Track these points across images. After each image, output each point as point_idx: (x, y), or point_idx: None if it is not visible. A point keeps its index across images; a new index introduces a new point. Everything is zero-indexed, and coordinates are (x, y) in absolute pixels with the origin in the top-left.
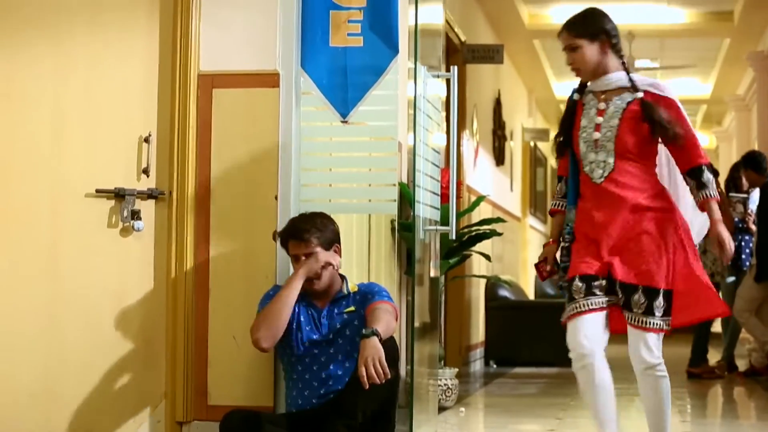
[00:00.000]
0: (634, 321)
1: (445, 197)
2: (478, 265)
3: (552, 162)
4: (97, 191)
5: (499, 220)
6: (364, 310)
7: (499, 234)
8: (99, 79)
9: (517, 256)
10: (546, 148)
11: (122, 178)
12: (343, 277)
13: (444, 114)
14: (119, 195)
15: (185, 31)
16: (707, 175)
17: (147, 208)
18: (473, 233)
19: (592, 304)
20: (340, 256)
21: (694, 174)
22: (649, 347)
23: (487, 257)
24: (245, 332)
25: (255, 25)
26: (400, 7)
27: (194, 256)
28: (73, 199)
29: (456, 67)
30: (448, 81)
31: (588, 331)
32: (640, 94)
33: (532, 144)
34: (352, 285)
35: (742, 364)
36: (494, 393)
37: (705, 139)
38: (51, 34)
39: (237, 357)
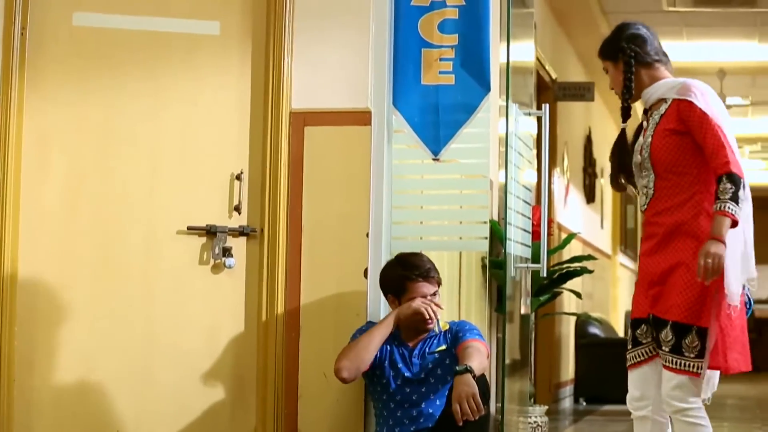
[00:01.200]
0: (664, 360)
1: (536, 234)
2: (568, 302)
3: None
4: (189, 228)
5: (589, 257)
6: (456, 349)
7: (590, 271)
8: (193, 117)
9: (607, 294)
10: None
11: (214, 216)
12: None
13: (535, 151)
14: (211, 232)
15: (277, 69)
16: (725, 185)
17: (238, 245)
18: (564, 270)
19: (636, 357)
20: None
21: (716, 184)
22: (678, 389)
23: (578, 294)
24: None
25: (347, 62)
26: (491, 44)
27: (285, 293)
28: (166, 236)
29: (547, 105)
30: (539, 118)
31: (638, 383)
32: (671, 100)
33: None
34: (443, 323)
35: None
36: (584, 430)
37: None
38: (147, 74)
39: (327, 394)
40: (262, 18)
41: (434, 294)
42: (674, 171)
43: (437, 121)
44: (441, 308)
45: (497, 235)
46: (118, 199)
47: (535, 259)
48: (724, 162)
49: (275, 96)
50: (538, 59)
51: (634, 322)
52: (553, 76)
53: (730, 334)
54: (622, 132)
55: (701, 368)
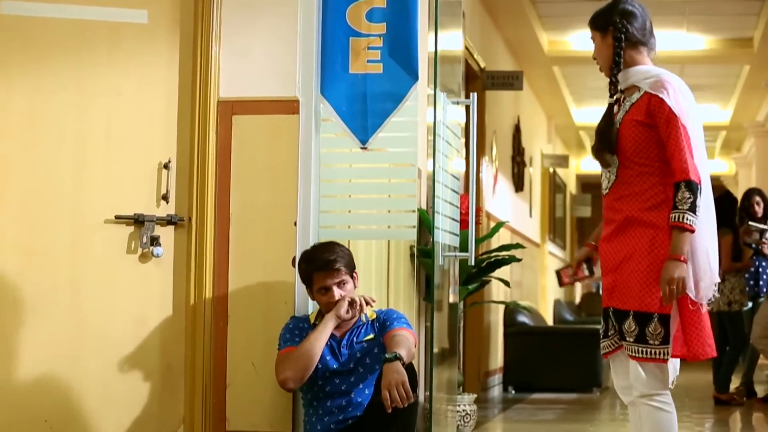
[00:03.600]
0: (630, 351)
1: (464, 223)
2: (497, 291)
3: (571, 188)
4: (117, 217)
5: (518, 246)
6: (383, 338)
7: (519, 260)
8: (119, 107)
9: (535, 282)
10: (565, 174)
11: (142, 205)
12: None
13: (463, 140)
14: (138, 221)
15: (205, 58)
16: (683, 194)
17: (166, 234)
18: (492, 259)
19: (608, 347)
20: (357, 283)
21: (674, 189)
22: (645, 376)
23: (506, 283)
24: (264, 358)
25: (275, 51)
26: (419, 33)
27: (213, 282)
28: (94, 225)
29: (475, 94)
30: (467, 107)
31: (620, 371)
32: (643, 91)
33: (551, 170)
34: (370, 312)
35: (761, 390)
36: (513, 419)
37: (724, 166)
38: (72, 63)
39: (256, 383)
40: (191, 7)
41: (340, 283)
42: (637, 161)
43: (365, 110)
44: (373, 300)
45: (425, 224)
46: (44, 189)
47: (464, 247)
48: (683, 168)
49: (203, 85)
50: (466, 48)
51: (604, 311)
52: (482, 65)
53: (693, 321)
54: (610, 107)
55: (667, 354)
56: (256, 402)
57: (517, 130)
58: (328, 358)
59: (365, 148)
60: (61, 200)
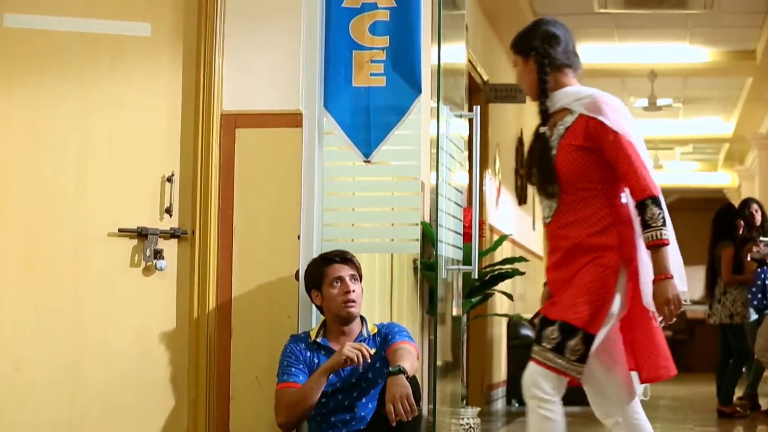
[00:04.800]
0: (539, 357)
1: (467, 236)
2: (500, 304)
3: None
4: (120, 231)
5: (521, 259)
6: (386, 351)
7: (522, 273)
8: (122, 120)
9: (538, 295)
10: None
11: (145, 218)
12: (363, 320)
13: (466, 153)
14: (142, 234)
15: (208, 71)
16: (652, 211)
17: (170, 247)
18: (495, 272)
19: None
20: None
21: (638, 209)
22: (540, 379)
23: (510, 296)
24: (267, 371)
25: (278, 65)
26: (422, 46)
27: (217, 296)
28: (97, 238)
29: (479, 107)
30: (470, 120)
31: (592, 399)
32: (577, 114)
33: None
34: (372, 326)
35: (764, 403)
36: None
37: (727, 178)
38: (75, 76)
39: (259, 396)
40: (194, 20)
41: (352, 278)
42: (579, 186)
43: (368, 123)
44: (370, 353)
45: (429, 237)
46: (46, 202)
47: (467, 261)
48: (643, 186)
49: (206, 98)
50: (469, 61)
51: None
52: (485, 78)
53: (647, 340)
54: (542, 136)
55: (579, 373)
56: (260, 415)
57: (520, 143)
58: (330, 375)
59: (368, 162)
60: (63, 213)
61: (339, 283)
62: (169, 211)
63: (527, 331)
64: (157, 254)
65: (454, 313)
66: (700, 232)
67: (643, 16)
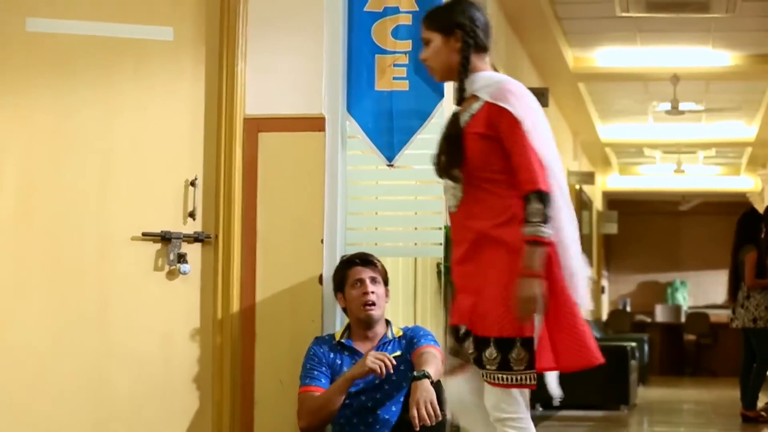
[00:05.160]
0: (491, 378)
1: None
2: None
3: (597, 205)
4: (144, 234)
5: None
6: (411, 355)
7: None
8: (145, 124)
9: None
10: (591, 191)
11: (169, 222)
12: (387, 322)
13: None
14: (165, 238)
15: (231, 75)
16: (533, 206)
17: (193, 251)
18: None
19: (450, 366)
20: (388, 299)
21: (524, 202)
22: (502, 401)
23: None
24: (291, 375)
25: (301, 69)
26: None
27: (240, 299)
28: (120, 242)
29: None
30: None
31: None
32: (483, 101)
33: (577, 187)
34: (396, 329)
35: None
36: None
37: (750, 182)
38: (100, 80)
39: (283, 400)
40: (216, 24)
41: (373, 280)
42: (483, 176)
43: (391, 127)
44: (393, 363)
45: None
46: (70, 206)
47: None
48: (531, 178)
49: (229, 102)
50: (492, 65)
51: (451, 328)
52: None
53: (562, 328)
54: (456, 117)
55: (533, 379)
56: (284, 419)
57: None
58: None
59: (392, 165)
60: (87, 217)
61: (359, 285)
62: (192, 214)
63: None
64: (181, 258)
65: None
66: (723, 237)
67: (665, 20)
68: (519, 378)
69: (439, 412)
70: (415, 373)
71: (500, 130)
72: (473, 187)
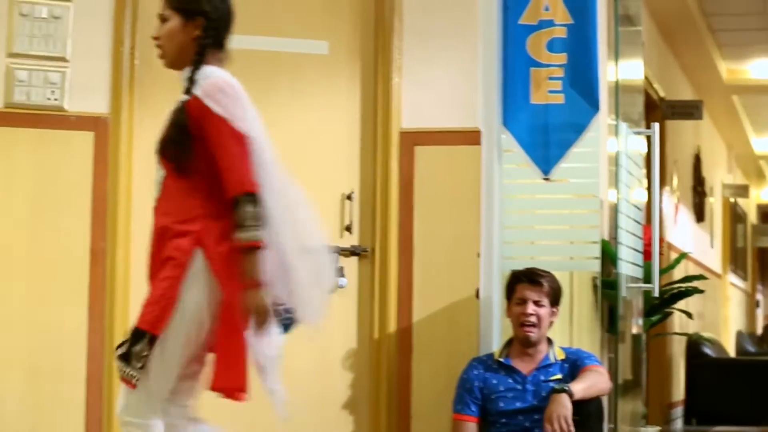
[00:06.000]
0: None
1: (647, 254)
2: (679, 322)
3: (752, 218)
4: None
5: (700, 277)
6: (579, 373)
7: (701, 291)
8: (302, 137)
9: (717, 314)
10: (745, 204)
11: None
12: (550, 341)
13: (644, 170)
14: None
15: (386, 89)
16: (245, 210)
17: (350, 265)
18: (675, 291)
19: None
20: (556, 319)
21: (233, 206)
22: (129, 402)
23: (689, 315)
24: (448, 390)
25: (456, 82)
26: (599, 63)
27: (397, 313)
28: None
29: (657, 124)
30: (648, 137)
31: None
32: (189, 96)
33: (732, 200)
34: (558, 350)
35: None
36: None
37: None
38: (256, 93)
39: (440, 414)
40: (371, 38)
41: (538, 303)
42: (177, 172)
43: (547, 141)
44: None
45: (608, 255)
46: None
47: (647, 278)
48: (240, 180)
49: (384, 116)
50: (646, 77)
51: None
52: (661, 95)
53: (227, 350)
54: (182, 105)
55: (138, 381)
56: None
57: (697, 160)
58: (510, 396)
59: (547, 179)
60: None
61: (522, 303)
62: (349, 228)
63: (708, 350)
64: (338, 272)
65: (634, 331)
66: None
67: None
68: (130, 374)
69: (572, 428)
70: (556, 386)
71: (205, 127)
72: (168, 180)
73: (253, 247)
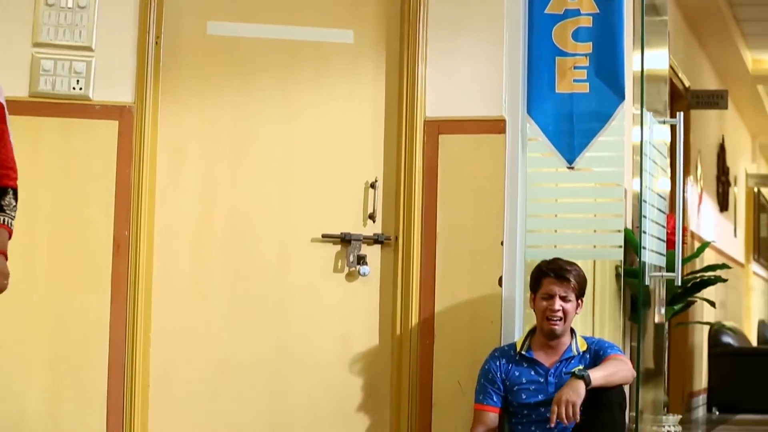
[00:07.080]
0: None
1: (670, 243)
2: (701, 311)
3: None
4: (324, 236)
5: (724, 266)
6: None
7: (724, 280)
8: (326, 125)
9: (740, 303)
10: None
11: (349, 224)
12: (572, 332)
13: (668, 160)
14: (345, 240)
15: (411, 77)
16: (11, 200)
17: (373, 253)
18: (698, 279)
19: None
20: (580, 311)
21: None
22: None
23: (712, 304)
24: (470, 377)
25: (481, 71)
26: (625, 52)
27: (420, 301)
28: (300, 244)
29: (681, 113)
30: (672, 126)
31: None
32: None
33: (755, 190)
34: (581, 340)
35: None
36: None
37: None
38: (278, 83)
39: (461, 402)
40: (396, 27)
41: (565, 298)
42: None
43: (572, 130)
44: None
45: (632, 244)
46: (251, 207)
47: (670, 267)
48: (14, 175)
49: (409, 104)
50: (671, 67)
51: None
52: (686, 84)
53: None
54: None
55: None
56: (462, 421)
57: (721, 150)
58: (532, 388)
59: (572, 168)
60: (267, 219)
61: (548, 298)
62: (372, 217)
63: (729, 339)
64: (361, 260)
65: (657, 320)
66: None
67: None
68: None
69: (578, 416)
70: (576, 371)
71: None
72: None
73: (10, 231)
